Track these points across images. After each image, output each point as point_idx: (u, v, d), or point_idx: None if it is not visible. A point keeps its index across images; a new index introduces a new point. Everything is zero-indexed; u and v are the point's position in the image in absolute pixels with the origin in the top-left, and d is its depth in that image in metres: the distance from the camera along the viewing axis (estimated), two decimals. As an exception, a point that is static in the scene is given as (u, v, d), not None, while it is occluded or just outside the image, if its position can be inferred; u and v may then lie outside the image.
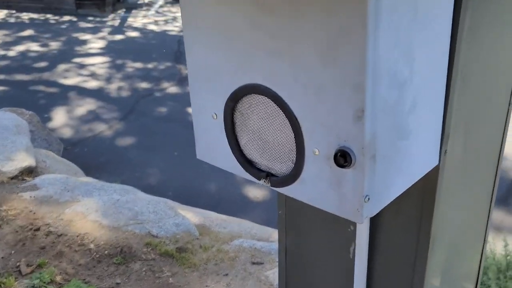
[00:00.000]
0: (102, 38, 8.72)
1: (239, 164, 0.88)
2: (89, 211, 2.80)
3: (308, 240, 1.21)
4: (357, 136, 0.69)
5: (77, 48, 8.14)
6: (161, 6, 11.20)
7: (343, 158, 0.70)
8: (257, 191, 4.04)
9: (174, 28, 9.42)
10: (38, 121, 4.56)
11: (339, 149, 0.71)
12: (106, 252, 2.53)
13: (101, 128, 5.42)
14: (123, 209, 2.82)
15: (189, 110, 5.78)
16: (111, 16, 10.26)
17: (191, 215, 3.04)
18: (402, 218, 0.99)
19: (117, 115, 5.75)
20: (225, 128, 0.87)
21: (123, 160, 4.73)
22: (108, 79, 6.86)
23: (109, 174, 4.30)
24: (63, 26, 9.45)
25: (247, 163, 0.87)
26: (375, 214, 0.75)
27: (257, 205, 3.85)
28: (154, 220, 2.76)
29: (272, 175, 0.84)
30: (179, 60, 7.56)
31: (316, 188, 0.77)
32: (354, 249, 1.10)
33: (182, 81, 6.74)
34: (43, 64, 7.35)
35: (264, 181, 0.85)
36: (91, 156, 4.83)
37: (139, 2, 11.42)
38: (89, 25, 9.56)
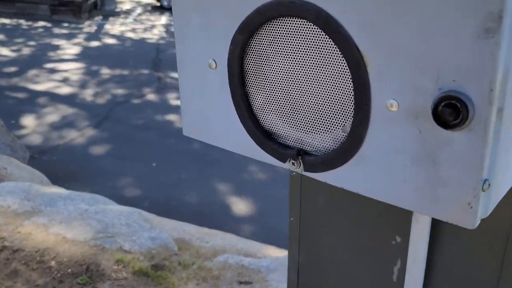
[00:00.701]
0: (77, 44, 8.34)
1: (251, 139, 0.57)
2: (52, 223, 2.43)
3: (329, 256, 0.90)
4: (483, 68, 0.38)
5: (50, 54, 7.73)
6: (139, 14, 10.88)
7: (452, 111, 0.40)
8: (241, 203, 3.71)
9: (152, 36, 9.09)
10: (2, 125, 4.16)
11: (444, 96, 0.40)
12: (69, 270, 2.16)
13: (72, 135, 5.04)
14: (91, 221, 2.46)
15: (169, 118, 5.44)
16: (87, 23, 9.88)
17: (169, 228, 2.70)
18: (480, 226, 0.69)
19: (90, 122, 5.37)
20: (229, 82, 0.56)
21: (96, 170, 4.35)
22: (82, 85, 6.47)
23: (79, 184, 3.91)
24: (37, 32, 9.03)
25: (265, 137, 0.55)
26: (489, 213, 0.44)
27: (242, 218, 3.51)
28: (126, 234, 2.41)
29: (307, 153, 0.53)
30: (157, 68, 7.23)
31: (387, 169, 0.46)
32: (400, 270, 0.79)
33: (160, 89, 6.41)
34: (13, 69, 6.93)
35: (293, 163, 0.53)
36: (60, 165, 4.44)
37: (117, 10, 11.07)
38: (64, 31, 9.16)
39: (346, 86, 0.47)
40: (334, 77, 0.48)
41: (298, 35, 0.49)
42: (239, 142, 0.58)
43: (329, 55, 0.47)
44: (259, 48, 0.53)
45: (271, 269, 2.21)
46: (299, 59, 0.50)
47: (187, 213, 3.56)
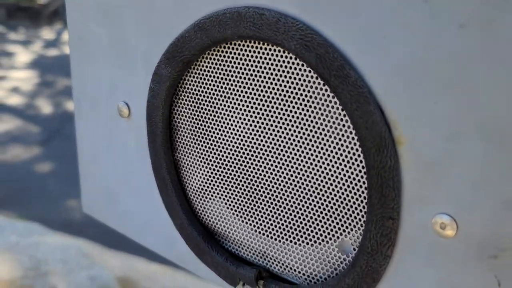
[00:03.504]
0: (33, 51, 7.92)
1: (181, 239, 0.34)
2: (-25, 257, 2.11)
3: None
4: None
5: (2, 61, 7.30)
6: (102, 25, 10.54)
7: None
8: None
9: (114, 48, 8.76)
10: None
11: None
12: (-12, 316, 1.86)
13: (17, 151, 4.65)
14: (21, 256, 2.16)
15: (124, 135, 5.12)
16: (46, 30, 9.47)
17: (114, 264, 2.41)
18: None
19: (38, 138, 5.00)
20: (149, 142, 0.33)
21: (39, 191, 4.00)
22: (33, 96, 6.08)
23: (19, 207, 3.56)
24: (-10, 37, 8.57)
25: (204, 239, 0.33)
26: None
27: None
28: (62, 272, 2.12)
29: (274, 276, 0.31)
30: (117, 82, 6.90)
31: None
32: None
33: (119, 104, 6.08)
34: (-42, 75, 6.47)
35: (249, 291, 0.31)
36: (0, 184, 4.07)
37: (79, 20, 10.68)
38: (20, 37, 8.73)
39: (351, 175, 0.25)
40: (327, 158, 0.26)
41: (267, 74, 0.27)
42: (163, 242, 0.35)
43: (322, 118, 0.25)
44: (198, 91, 0.31)
45: (224, 319, 1.96)
46: (267, 116, 0.28)
47: (137, 243, 3.26)
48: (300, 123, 0.26)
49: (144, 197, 0.35)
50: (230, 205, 0.31)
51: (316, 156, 0.26)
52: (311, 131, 0.26)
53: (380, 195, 0.23)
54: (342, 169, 0.25)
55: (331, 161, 0.26)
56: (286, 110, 0.27)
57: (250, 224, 0.31)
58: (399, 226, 0.24)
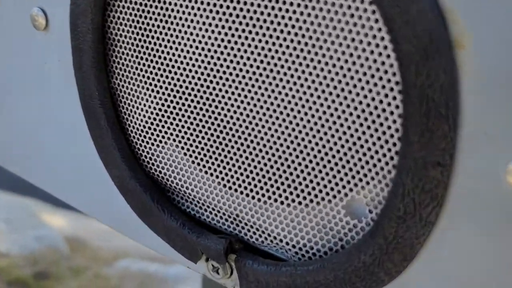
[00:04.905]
0: None
1: (121, 199, 0.25)
2: None
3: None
4: None
5: None
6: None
7: None
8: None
9: None
10: None
11: None
12: None
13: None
14: (-40, 215, 2.01)
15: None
16: None
17: (63, 223, 2.30)
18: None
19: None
20: (74, 63, 0.24)
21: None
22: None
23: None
24: None
25: (152, 197, 0.24)
26: None
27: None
28: (5, 232, 1.99)
29: (251, 248, 0.22)
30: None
31: None
32: None
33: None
34: None
35: (216, 267, 0.22)
36: None
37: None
38: None
39: (376, 96, 0.17)
40: (338, 72, 0.17)
41: None
42: (95, 201, 0.26)
43: (333, 11, 0.17)
44: (143, -15, 0.21)
45: (179, 279, 1.90)
46: (245, 17, 0.19)
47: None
48: (296, 24, 0.17)
49: (70, 141, 0.26)
50: (188, 150, 0.22)
51: (319, 70, 0.17)
52: (313, 31, 0.17)
53: (423, 129, 0.15)
54: (362, 88, 0.17)
55: (344, 75, 0.17)
56: (274, 6, 0.18)
57: (217, 177, 0.22)
58: (450, 176, 0.15)
